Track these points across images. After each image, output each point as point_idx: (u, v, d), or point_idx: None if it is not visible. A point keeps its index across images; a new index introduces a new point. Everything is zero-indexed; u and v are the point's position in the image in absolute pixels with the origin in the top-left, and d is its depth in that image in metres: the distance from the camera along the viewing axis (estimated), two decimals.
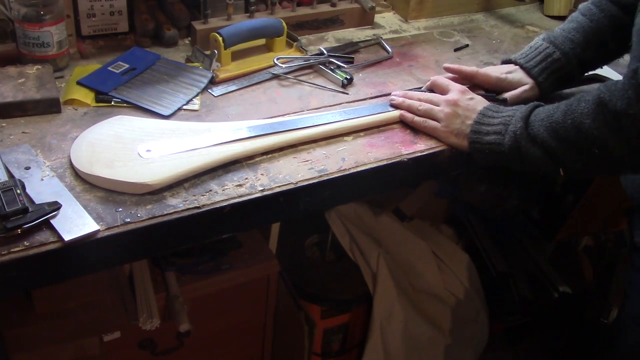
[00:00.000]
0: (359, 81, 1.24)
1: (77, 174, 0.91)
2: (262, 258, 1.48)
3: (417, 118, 1.10)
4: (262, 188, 0.94)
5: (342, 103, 1.17)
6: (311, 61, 1.25)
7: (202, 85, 1.14)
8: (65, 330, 1.24)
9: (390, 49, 1.36)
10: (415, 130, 1.11)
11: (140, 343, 1.40)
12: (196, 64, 1.20)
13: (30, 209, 0.81)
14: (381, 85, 1.23)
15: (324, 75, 1.24)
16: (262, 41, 1.30)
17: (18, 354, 1.22)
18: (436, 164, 1.09)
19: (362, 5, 1.43)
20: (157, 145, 0.96)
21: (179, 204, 0.89)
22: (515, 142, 0.98)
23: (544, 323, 1.85)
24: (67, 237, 0.80)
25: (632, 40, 0.93)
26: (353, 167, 1.01)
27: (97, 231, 0.82)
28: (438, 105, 1.09)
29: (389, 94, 1.17)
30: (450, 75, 1.20)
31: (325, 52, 1.27)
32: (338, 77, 1.22)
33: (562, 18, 1.24)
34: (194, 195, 0.91)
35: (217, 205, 0.90)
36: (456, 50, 1.40)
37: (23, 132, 0.99)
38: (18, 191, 0.83)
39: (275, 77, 1.22)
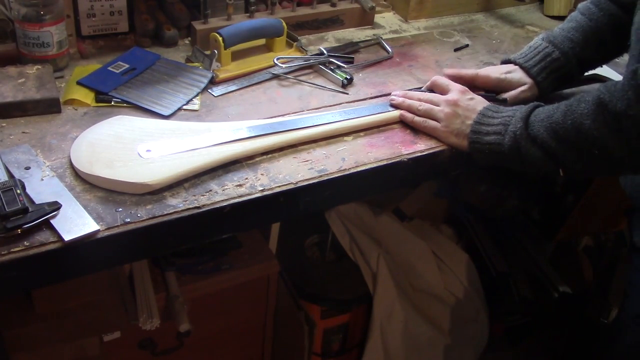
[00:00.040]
0: (359, 81, 1.24)
1: (77, 174, 0.91)
2: (262, 258, 1.48)
3: (417, 118, 1.10)
4: (262, 188, 0.94)
5: (342, 103, 1.17)
6: (311, 61, 1.25)
7: (202, 85, 1.14)
8: (65, 330, 1.24)
9: (390, 49, 1.36)
10: (415, 130, 1.11)
11: (140, 343, 1.40)
12: (196, 64, 1.20)
13: (30, 209, 0.81)
14: (381, 85, 1.23)
15: (324, 75, 1.24)
16: (262, 41, 1.30)
17: (18, 354, 1.22)
18: (436, 164, 1.09)
19: (362, 5, 1.43)
20: (157, 145, 0.96)
21: (179, 204, 0.89)
22: (515, 142, 0.98)
23: (544, 323, 1.85)
24: (67, 237, 0.80)
25: (631, 39, 0.93)
26: (353, 167, 1.01)
27: (97, 231, 0.82)
28: (438, 105, 1.09)
29: (389, 94, 1.17)
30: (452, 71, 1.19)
31: (325, 52, 1.27)
32: (338, 77, 1.22)
33: (562, 18, 1.24)
34: (194, 195, 0.91)
35: (217, 205, 0.90)
36: (456, 50, 1.40)
37: (23, 132, 0.99)
38: (18, 191, 0.83)
39: (275, 77, 1.22)
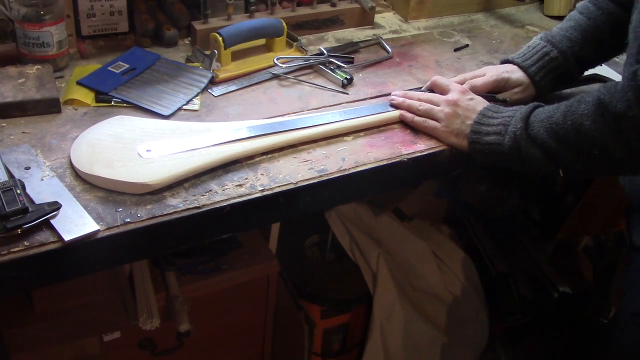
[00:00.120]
0: (359, 81, 1.24)
1: (77, 174, 0.91)
2: (262, 258, 1.48)
3: (417, 118, 1.10)
4: (262, 188, 0.94)
5: (342, 103, 1.17)
6: (311, 61, 1.25)
7: (202, 85, 1.14)
8: (65, 330, 1.24)
9: (390, 49, 1.36)
10: (415, 130, 1.11)
11: (140, 343, 1.40)
12: (196, 64, 1.20)
13: (30, 209, 0.81)
14: (381, 85, 1.23)
15: (324, 75, 1.24)
16: (262, 41, 1.30)
17: (18, 353, 1.22)
18: (436, 164, 1.09)
19: (362, 5, 1.43)
20: (157, 145, 0.96)
21: (179, 204, 0.89)
22: (515, 142, 0.98)
23: (544, 323, 1.85)
24: (67, 237, 0.80)
25: (629, 38, 0.93)
26: (353, 167, 1.01)
27: (97, 231, 0.82)
28: (438, 105, 1.09)
29: (389, 94, 1.17)
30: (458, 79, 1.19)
31: (325, 52, 1.27)
32: (338, 77, 1.22)
33: (562, 18, 1.24)
34: (194, 195, 0.91)
35: (217, 205, 0.90)
36: (456, 50, 1.40)
37: (23, 132, 0.99)
38: (18, 191, 0.83)
39: (275, 77, 1.22)
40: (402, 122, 1.12)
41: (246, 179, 0.95)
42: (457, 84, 1.13)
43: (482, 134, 1.02)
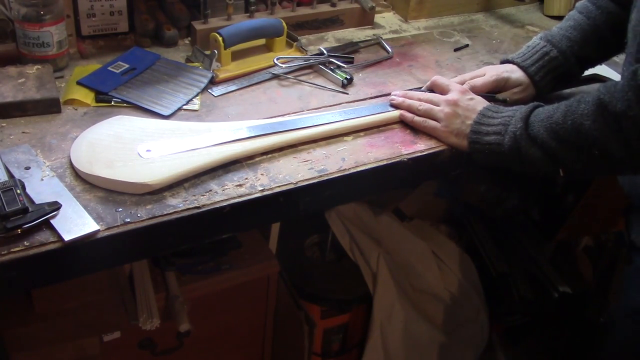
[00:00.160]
0: (359, 81, 1.24)
1: (77, 174, 0.91)
2: (262, 258, 1.48)
3: (417, 118, 1.10)
4: (262, 188, 0.94)
5: (342, 103, 1.17)
6: (311, 61, 1.25)
7: (202, 85, 1.14)
8: (65, 330, 1.25)
9: (390, 49, 1.36)
10: (415, 130, 1.11)
11: (140, 343, 1.40)
12: (196, 64, 1.20)
13: (30, 209, 0.81)
14: (381, 85, 1.23)
15: (324, 75, 1.24)
16: (262, 41, 1.30)
17: (18, 353, 1.22)
18: (436, 164, 1.09)
19: (362, 5, 1.43)
20: (157, 145, 0.96)
21: (179, 204, 0.89)
22: (515, 142, 0.98)
23: (544, 323, 1.85)
24: (67, 237, 0.80)
25: (628, 37, 0.93)
26: (353, 167, 1.01)
27: (97, 231, 0.82)
28: (438, 105, 1.09)
29: (389, 94, 1.16)
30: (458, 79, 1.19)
31: (325, 52, 1.27)
32: (338, 77, 1.22)
33: (562, 18, 1.24)
34: (194, 195, 0.91)
35: (217, 205, 0.90)
36: (456, 50, 1.40)
37: (23, 132, 0.99)
38: (18, 191, 0.83)
39: (275, 77, 1.22)
40: (402, 122, 1.12)
41: (246, 179, 0.95)
42: (457, 84, 1.13)
43: (482, 133, 1.02)
